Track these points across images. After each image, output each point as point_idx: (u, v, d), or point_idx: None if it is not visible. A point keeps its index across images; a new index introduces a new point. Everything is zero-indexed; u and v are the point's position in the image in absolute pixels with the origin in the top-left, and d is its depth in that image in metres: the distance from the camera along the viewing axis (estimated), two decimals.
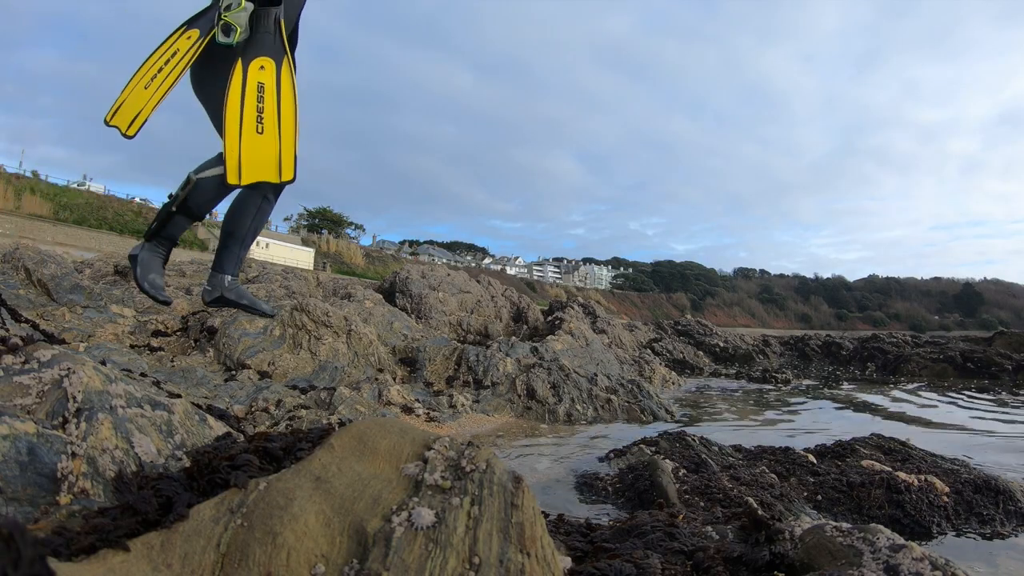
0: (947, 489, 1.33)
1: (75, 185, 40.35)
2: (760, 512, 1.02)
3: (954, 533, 1.24)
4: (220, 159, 1.89)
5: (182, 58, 1.94)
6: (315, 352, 2.45)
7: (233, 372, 2.25)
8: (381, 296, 3.95)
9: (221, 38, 1.85)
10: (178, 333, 2.66)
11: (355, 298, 3.67)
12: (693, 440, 1.61)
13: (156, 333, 2.61)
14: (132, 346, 2.41)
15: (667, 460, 1.41)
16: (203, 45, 1.88)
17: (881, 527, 0.76)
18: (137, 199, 42.58)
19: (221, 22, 1.85)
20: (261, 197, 2.14)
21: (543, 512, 0.77)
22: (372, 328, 2.77)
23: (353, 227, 55.52)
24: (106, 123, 1.84)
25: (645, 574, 0.75)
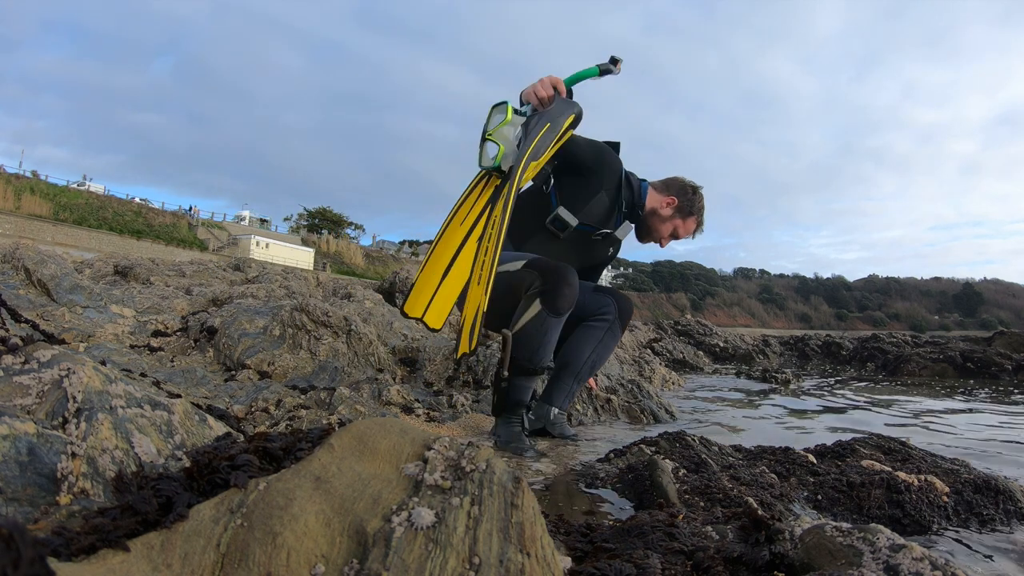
0: (947, 489, 1.33)
1: (75, 185, 40.51)
2: (760, 512, 1.02)
3: (954, 533, 1.24)
4: (529, 300, 1.76)
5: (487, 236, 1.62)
6: (315, 352, 2.45)
7: (233, 372, 2.25)
8: (381, 296, 3.95)
9: (485, 162, 1.68)
10: (178, 333, 2.65)
11: (355, 298, 3.67)
12: (693, 440, 1.61)
13: (156, 333, 2.61)
14: (132, 346, 2.41)
15: (667, 460, 1.41)
16: (501, 203, 1.60)
17: (881, 527, 0.76)
18: (137, 199, 42.75)
19: (484, 142, 1.67)
20: (606, 326, 2.02)
21: (543, 512, 0.77)
22: (372, 328, 2.77)
23: (353, 227, 55.57)
24: (405, 314, 1.65)
25: (645, 574, 0.75)
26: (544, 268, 1.77)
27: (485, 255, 1.54)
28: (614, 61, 1.80)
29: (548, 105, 1.70)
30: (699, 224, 2.19)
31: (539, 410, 1.98)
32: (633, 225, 2.16)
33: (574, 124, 1.73)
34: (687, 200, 2.13)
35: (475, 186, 1.75)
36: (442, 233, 1.71)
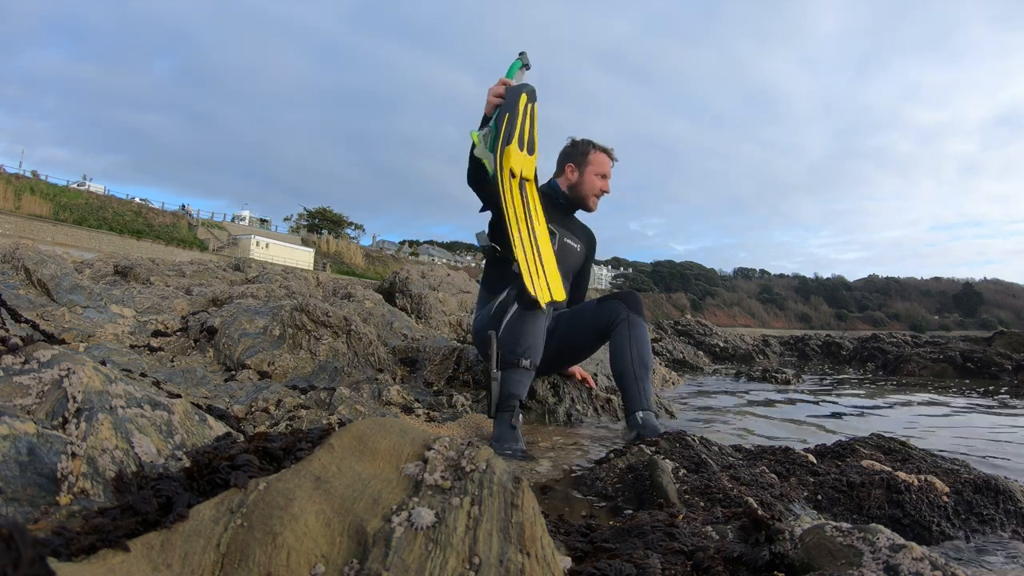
0: (947, 489, 1.33)
1: (75, 185, 40.47)
2: (760, 512, 1.02)
3: (954, 533, 1.24)
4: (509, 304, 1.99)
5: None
6: (315, 352, 2.45)
7: (233, 372, 2.25)
8: (381, 296, 3.95)
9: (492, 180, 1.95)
10: (178, 333, 2.65)
11: (355, 298, 3.67)
12: (693, 440, 1.61)
13: (156, 333, 2.61)
14: (132, 346, 2.41)
15: (667, 460, 1.41)
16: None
17: (881, 527, 0.76)
18: (137, 199, 42.70)
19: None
20: (625, 324, 2.16)
21: (543, 512, 0.77)
22: (372, 328, 2.77)
23: (353, 227, 55.48)
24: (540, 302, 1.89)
25: (645, 574, 0.75)
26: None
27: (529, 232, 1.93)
28: (522, 55, 2.06)
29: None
30: (603, 150, 2.33)
31: (629, 422, 2.08)
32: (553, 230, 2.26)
33: (531, 98, 1.92)
34: (576, 153, 2.34)
35: (505, 193, 1.96)
36: (513, 233, 1.93)
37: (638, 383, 2.05)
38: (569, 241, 2.33)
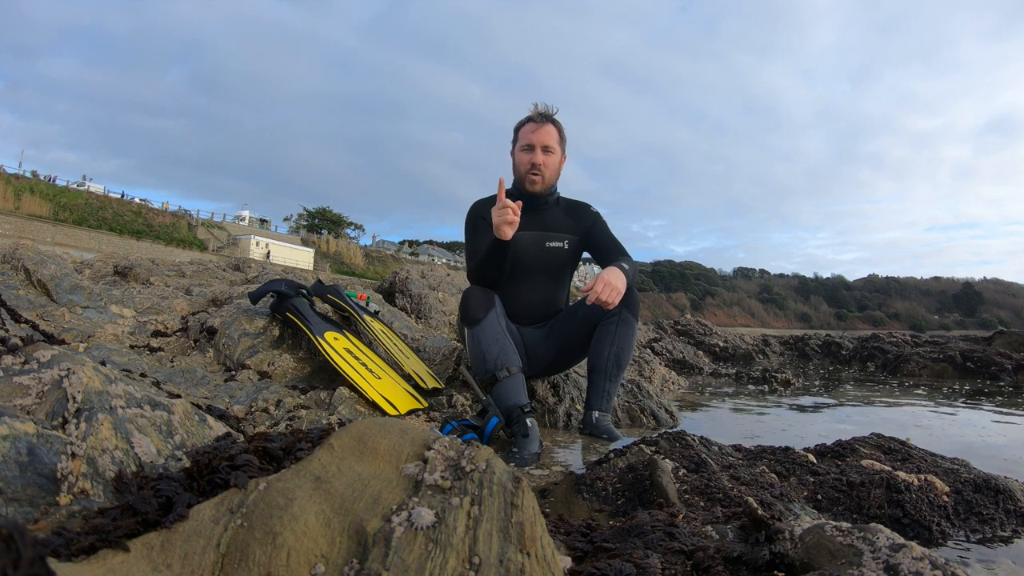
0: (947, 489, 1.33)
1: (75, 185, 40.43)
2: (760, 512, 1.01)
3: (954, 533, 1.24)
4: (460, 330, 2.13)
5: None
6: (315, 352, 2.44)
7: (233, 372, 2.25)
8: (381, 296, 3.95)
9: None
10: (178, 333, 2.65)
11: None
12: (693, 440, 1.61)
13: (156, 333, 2.61)
14: (132, 346, 2.41)
15: (667, 460, 1.41)
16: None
17: (881, 527, 0.76)
18: (136, 199, 42.67)
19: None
20: (615, 320, 2.12)
21: (543, 512, 0.77)
22: None
23: (353, 227, 55.44)
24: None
25: (645, 574, 0.75)
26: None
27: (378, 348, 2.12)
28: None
29: None
30: (524, 122, 2.15)
31: (585, 417, 2.09)
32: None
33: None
34: (515, 136, 2.21)
35: (323, 345, 2.19)
36: (340, 367, 2.11)
37: (606, 382, 2.04)
38: (552, 243, 2.18)
